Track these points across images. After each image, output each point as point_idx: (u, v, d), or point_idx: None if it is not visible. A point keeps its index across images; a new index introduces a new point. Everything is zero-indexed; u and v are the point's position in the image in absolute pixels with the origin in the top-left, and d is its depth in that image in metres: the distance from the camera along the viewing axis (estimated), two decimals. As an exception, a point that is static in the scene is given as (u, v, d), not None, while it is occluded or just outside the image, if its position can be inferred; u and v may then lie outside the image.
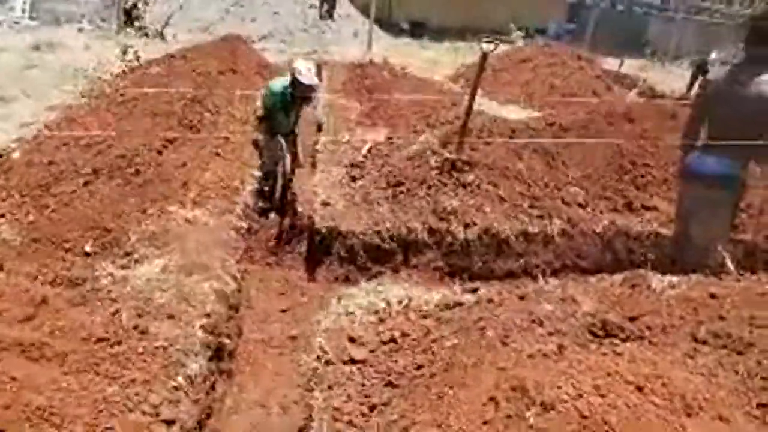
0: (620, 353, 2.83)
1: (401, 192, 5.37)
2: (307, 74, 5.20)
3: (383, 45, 14.07)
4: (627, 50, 13.48)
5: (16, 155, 5.45)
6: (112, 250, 4.09)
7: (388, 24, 15.76)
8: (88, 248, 4.04)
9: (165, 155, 5.33)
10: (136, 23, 13.61)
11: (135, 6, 13.93)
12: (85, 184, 4.60)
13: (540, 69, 10.72)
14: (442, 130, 6.09)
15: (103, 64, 9.83)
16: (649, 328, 3.34)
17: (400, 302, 3.95)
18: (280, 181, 5.81)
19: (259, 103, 5.94)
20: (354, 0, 17.37)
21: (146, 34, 13.17)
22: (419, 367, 3.13)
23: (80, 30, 13.35)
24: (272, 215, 5.82)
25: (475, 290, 4.42)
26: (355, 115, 7.70)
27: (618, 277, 4.79)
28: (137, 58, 9.46)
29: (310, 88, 5.36)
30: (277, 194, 5.82)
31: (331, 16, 14.74)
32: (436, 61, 12.91)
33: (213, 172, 5.52)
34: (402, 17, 16.35)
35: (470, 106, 5.23)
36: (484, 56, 4.87)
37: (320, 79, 5.39)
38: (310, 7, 14.50)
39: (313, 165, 6.62)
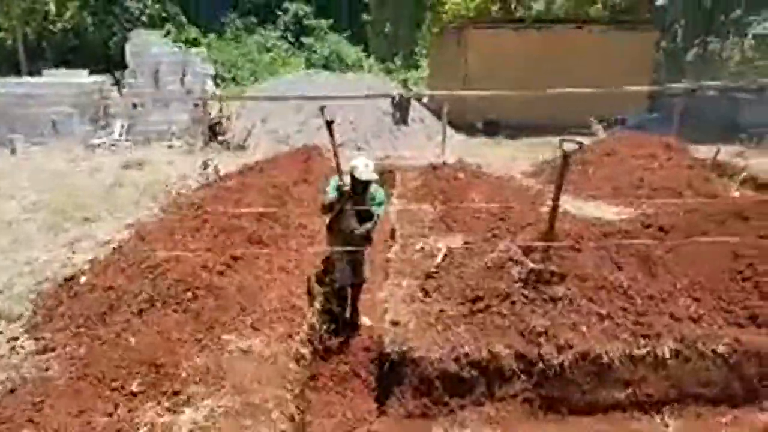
0: None
1: (480, 309, 4.75)
2: (364, 170, 5.09)
3: (458, 145, 13.97)
4: (718, 136, 12.52)
5: (83, 279, 5.40)
6: (160, 388, 3.72)
7: (461, 125, 15.73)
8: (134, 387, 3.70)
9: (227, 276, 5.06)
10: (220, 137, 14.35)
11: (219, 122, 14.81)
12: (140, 312, 4.36)
13: (626, 161, 9.97)
14: (523, 236, 5.50)
15: (184, 178, 10.23)
16: None
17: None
18: (348, 301, 5.40)
19: (326, 188, 5.65)
20: (428, 105, 17.69)
21: (228, 148, 13.78)
22: None
23: (170, 147, 14.21)
24: (339, 338, 5.33)
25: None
26: (428, 220, 7.26)
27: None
28: (216, 172, 9.75)
29: (366, 183, 5.21)
30: (346, 314, 5.38)
31: (405, 121, 14.89)
32: (514, 158, 12.52)
33: (277, 293, 5.17)
34: (476, 117, 16.33)
35: (554, 211, 4.68)
36: (566, 158, 4.38)
37: (377, 175, 5.28)
38: (385, 114, 14.71)
39: (386, 276, 6.16)
